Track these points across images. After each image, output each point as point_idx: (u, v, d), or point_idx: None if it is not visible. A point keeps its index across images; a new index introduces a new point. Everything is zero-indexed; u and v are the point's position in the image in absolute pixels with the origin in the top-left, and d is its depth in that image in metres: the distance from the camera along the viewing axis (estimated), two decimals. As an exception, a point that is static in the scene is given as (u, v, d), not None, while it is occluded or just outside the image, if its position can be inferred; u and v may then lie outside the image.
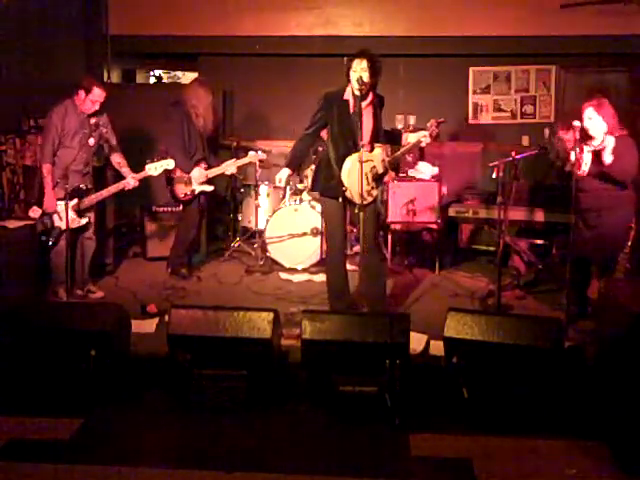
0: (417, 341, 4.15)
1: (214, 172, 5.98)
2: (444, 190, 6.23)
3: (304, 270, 6.19)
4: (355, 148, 4.42)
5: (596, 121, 4.49)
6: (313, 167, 6.26)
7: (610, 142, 4.41)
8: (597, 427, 3.45)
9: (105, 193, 5.30)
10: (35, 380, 3.75)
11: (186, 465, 3.19)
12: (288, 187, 6.56)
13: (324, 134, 6.73)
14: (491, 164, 4.97)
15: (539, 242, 5.98)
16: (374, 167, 4.55)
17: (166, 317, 4.03)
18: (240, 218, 6.93)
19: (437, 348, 3.99)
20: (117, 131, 5.45)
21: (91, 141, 5.22)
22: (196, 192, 5.89)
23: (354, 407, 3.63)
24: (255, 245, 6.62)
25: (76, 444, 3.38)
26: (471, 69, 7.73)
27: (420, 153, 6.79)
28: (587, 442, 3.36)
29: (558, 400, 3.54)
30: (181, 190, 5.85)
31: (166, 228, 6.53)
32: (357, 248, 5.79)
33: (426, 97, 7.34)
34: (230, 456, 3.27)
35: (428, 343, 4.22)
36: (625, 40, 7.13)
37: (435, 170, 6.34)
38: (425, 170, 6.35)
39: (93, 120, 5.20)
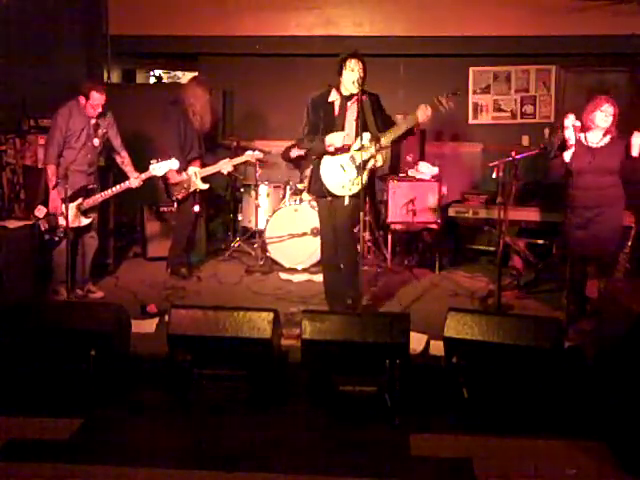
0: (417, 341, 4.15)
1: (209, 171, 5.98)
2: (444, 190, 6.23)
3: (304, 270, 6.19)
4: (340, 148, 4.48)
5: (611, 118, 4.50)
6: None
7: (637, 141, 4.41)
8: (597, 427, 3.45)
9: (109, 193, 5.30)
10: (35, 380, 3.75)
11: (186, 465, 3.19)
12: (288, 187, 6.57)
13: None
14: (491, 164, 4.97)
15: (539, 242, 5.98)
16: (352, 157, 4.55)
17: (166, 317, 4.03)
18: (240, 218, 6.93)
19: (437, 348, 3.99)
20: (118, 131, 5.45)
21: (95, 141, 5.23)
22: (191, 190, 5.89)
23: (354, 407, 3.63)
24: (255, 245, 6.62)
25: (76, 444, 3.38)
26: (471, 69, 7.73)
27: (420, 153, 6.80)
28: (587, 442, 3.36)
29: (558, 400, 3.54)
30: (176, 189, 5.85)
31: (166, 228, 6.52)
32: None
33: (426, 97, 7.30)
34: (230, 456, 3.27)
35: (428, 343, 4.22)
36: (625, 40, 7.13)
37: (435, 170, 6.34)
38: (425, 170, 6.35)
39: (94, 122, 5.21)
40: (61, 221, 5.11)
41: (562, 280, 4.82)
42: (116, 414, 3.68)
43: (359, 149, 4.47)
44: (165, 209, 6.58)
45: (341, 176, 4.54)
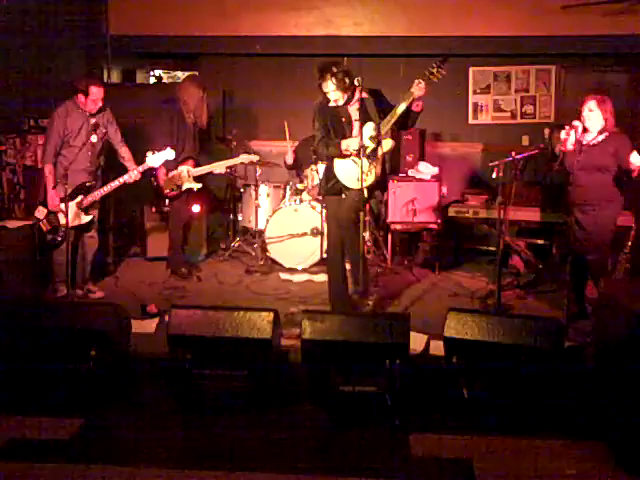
0: (417, 341, 4.15)
1: (202, 170, 5.97)
2: (444, 190, 6.23)
3: (304, 270, 6.19)
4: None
5: (595, 114, 4.51)
6: (313, 167, 6.27)
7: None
8: (597, 427, 3.44)
9: (107, 189, 5.28)
10: (35, 380, 3.75)
11: (186, 465, 3.19)
12: (288, 187, 6.58)
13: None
14: (491, 164, 4.97)
15: (539, 242, 5.98)
16: (363, 147, 4.52)
17: (166, 317, 4.03)
18: (240, 218, 6.93)
19: (437, 348, 3.99)
20: (117, 127, 5.44)
21: (94, 138, 5.22)
22: (182, 189, 5.89)
23: (354, 407, 3.63)
24: (255, 245, 6.62)
25: (76, 444, 3.38)
26: (471, 69, 7.73)
27: (420, 153, 6.80)
28: (587, 442, 3.36)
29: (558, 400, 3.54)
30: (166, 186, 5.85)
31: (166, 228, 6.51)
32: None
33: (426, 97, 7.31)
34: (230, 456, 3.27)
35: (428, 343, 4.22)
36: (625, 40, 7.13)
37: (435, 170, 6.34)
38: (425, 170, 6.35)
39: (93, 120, 5.21)
40: (62, 220, 5.10)
41: (562, 280, 4.81)
42: (116, 414, 3.68)
43: (369, 139, 4.50)
44: (165, 209, 6.57)
45: (354, 170, 4.54)
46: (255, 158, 6.36)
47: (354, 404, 3.63)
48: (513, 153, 4.89)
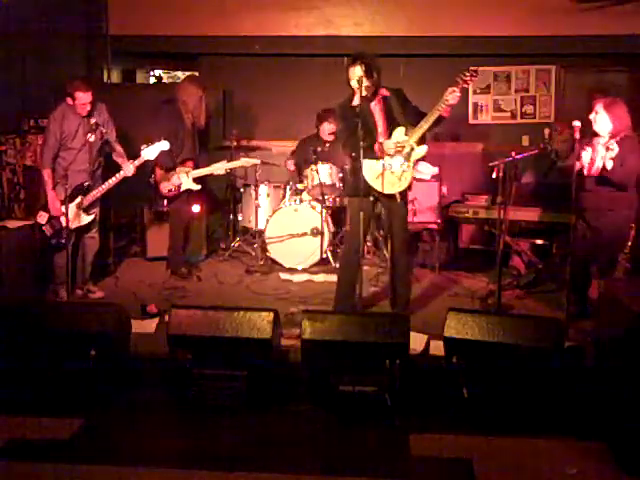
0: (417, 341, 4.15)
1: (201, 172, 5.97)
2: (444, 190, 6.23)
3: (304, 270, 6.19)
4: (372, 149, 4.50)
5: (601, 117, 4.50)
6: (313, 167, 6.27)
7: (614, 148, 4.39)
8: (597, 427, 3.44)
9: (106, 187, 5.25)
10: (35, 380, 3.75)
11: (186, 465, 3.19)
12: (288, 187, 6.58)
13: (324, 135, 6.79)
14: (491, 164, 4.97)
15: (539, 242, 5.98)
16: (397, 150, 4.54)
17: (166, 317, 4.03)
18: (240, 218, 6.93)
19: (437, 348, 3.98)
20: (117, 131, 5.44)
21: (92, 138, 5.21)
22: (182, 189, 5.89)
23: (354, 407, 3.63)
24: (255, 245, 6.62)
25: (76, 444, 3.38)
26: (471, 69, 7.72)
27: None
28: (587, 442, 3.36)
29: (558, 400, 3.54)
30: (165, 186, 5.85)
31: (166, 228, 6.51)
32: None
33: (426, 97, 7.31)
34: (230, 456, 3.27)
35: (428, 343, 4.22)
36: (625, 40, 7.13)
37: (435, 170, 6.34)
38: (425, 170, 6.34)
39: (93, 120, 5.20)
40: (64, 222, 5.11)
41: (562, 280, 4.81)
42: (116, 414, 3.68)
43: (397, 145, 4.51)
44: (165, 209, 6.57)
45: (388, 176, 4.53)
46: (256, 162, 6.36)
47: (354, 404, 3.63)
48: (513, 153, 4.89)
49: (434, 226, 6.17)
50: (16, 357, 3.82)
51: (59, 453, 3.27)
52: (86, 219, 5.22)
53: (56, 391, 3.72)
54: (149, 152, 5.32)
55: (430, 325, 4.42)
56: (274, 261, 6.30)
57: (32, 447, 3.33)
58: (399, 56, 7.47)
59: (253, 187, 6.64)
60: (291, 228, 6.25)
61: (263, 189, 6.66)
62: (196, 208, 6.18)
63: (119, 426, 3.59)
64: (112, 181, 5.26)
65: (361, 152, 4.34)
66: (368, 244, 6.37)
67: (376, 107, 4.59)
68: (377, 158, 4.54)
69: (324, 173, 6.26)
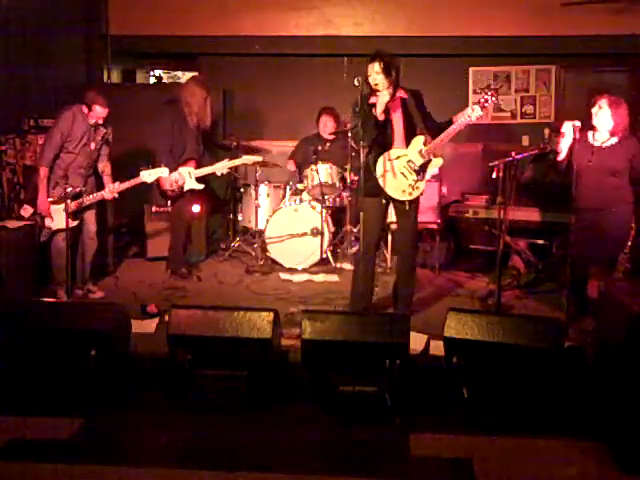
0: (417, 341, 4.15)
1: (204, 171, 5.95)
2: (444, 190, 6.23)
3: (304, 270, 6.19)
4: (386, 148, 4.50)
5: (604, 113, 4.50)
6: (313, 167, 6.27)
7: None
8: (597, 427, 3.44)
9: (88, 200, 5.24)
10: (35, 380, 3.75)
11: (186, 465, 3.19)
12: (288, 187, 6.57)
13: (325, 134, 6.79)
14: (491, 164, 4.97)
15: (539, 242, 5.98)
16: (410, 161, 4.55)
17: (166, 317, 4.03)
18: (240, 218, 6.93)
19: (437, 348, 3.98)
20: (117, 131, 5.44)
21: (92, 145, 5.22)
22: (185, 189, 5.89)
23: (354, 407, 3.63)
24: (255, 245, 6.62)
25: (76, 444, 3.38)
26: (471, 69, 7.73)
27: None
28: (587, 442, 3.36)
29: (558, 400, 3.54)
30: (167, 186, 5.84)
31: (166, 228, 6.51)
32: (356, 248, 5.78)
33: (426, 97, 7.32)
34: (230, 456, 3.27)
35: (428, 343, 4.22)
36: (625, 40, 7.13)
37: (435, 170, 6.32)
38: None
39: (103, 131, 5.20)
40: (47, 222, 5.11)
41: (562, 280, 4.81)
42: (116, 414, 3.68)
43: (419, 151, 4.53)
44: (165, 209, 6.57)
45: (402, 181, 4.55)
46: (258, 158, 6.36)
47: (354, 404, 3.63)
48: (513, 153, 4.89)
49: (434, 226, 6.17)
50: (16, 357, 3.82)
51: (59, 453, 3.27)
52: (70, 223, 5.10)
53: (56, 391, 3.72)
54: (147, 176, 5.34)
55: (430, 325, 4.42)
56: (274, 261, 6.30)
57: (32, 447, 3.33)
58: (399, 56, 7.42)
59: (253, 187, 6.63)
60: (291, 228, 6.25)
61: (263, 189, 6.66)
62: (196, 208, 6.17)
63: (119, 426, 3.59)
64: (92, 197, 5.26)
65: (373, 150, 4.37)
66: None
67: (396, 108, 4.55)
68: (395, 157, 4.53)
69: (324, 173, 6.26)
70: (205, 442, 3.42)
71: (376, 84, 4.43)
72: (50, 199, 5.11)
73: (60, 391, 3.72)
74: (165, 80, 9.62)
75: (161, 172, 5.40)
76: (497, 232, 5.11)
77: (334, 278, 5.96)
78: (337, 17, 7.59)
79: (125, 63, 8.72)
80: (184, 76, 9.39)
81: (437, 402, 3.73)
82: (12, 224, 5.15)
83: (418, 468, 3.20)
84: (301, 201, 6.35)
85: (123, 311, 4.04)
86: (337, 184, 6.31)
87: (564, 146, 4.62)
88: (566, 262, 4.57)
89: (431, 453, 3.31)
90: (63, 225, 4.99)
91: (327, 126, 6.70)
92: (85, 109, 5.12)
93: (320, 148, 6.41)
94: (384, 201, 4.63)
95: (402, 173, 4.55)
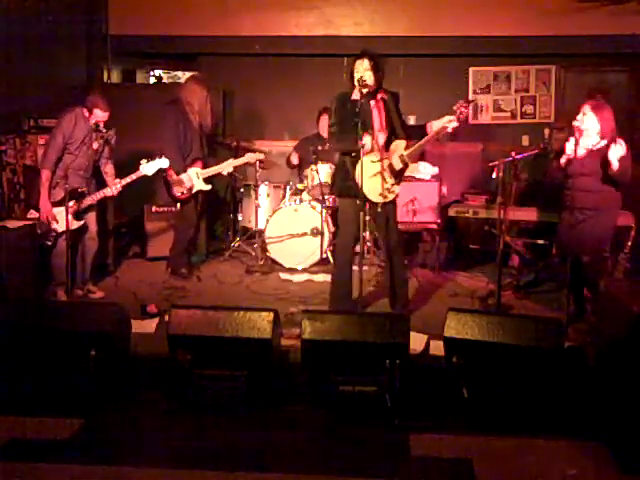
0: (417, 341, 4.15)
1: (211, 171, 5.96)
2: (444, 190, 6.23)
3: (304, 270, 6.20)
4: (367, 149, 4.46)
5: (589, 118, 4.51)
6: (313, 167, 6.27)
7: (619, 150, 4.39)
8: (597, 427, 3.44)
9: (90, 200, 5.24)
10: (35, 380, 3.75)
11: (186, 465, 3.19)
12: (288, 187, 6.58)
13: (325, 134, 6.79)
14: (491, 164, 4.97)
15: (539, 242, 5.98)
16: (390, 164, 4.56)
17: (166, 317, 4.03)
18: (240, 218, 6.93)
19: (437, 348, 3.98)
20: (117, 131, 5.43)
21: (94, 145, 5.22)
22: (193, 191, 5.88)
23: (354, 407, 3.63)
24: (255, 245, 6.62)
25: (76, 444, 3.38)
26: (471, 69, 7.74)
27: (420, 153, 6.79)
28: (587, 442, 3.36)
29: (558, 400, 3.54)
30: (177, 189, 5.84)
31: (166, 228, 6.53)
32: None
33: (426, 97, 7.34)
34: (230, 456, 3.27)
35: (428, 343, 4.22)
36: (625, 40, 7.14)
37: (435, 170, 6.34)
38: (425, 170, 6.35)
39: (105, 132, 5.19)
40: (53, 225, 5.11)
41: (562, 280, 4.81)
42: (116, 414, 3.68)
43: (400, 156, 4.52)
44: (165, 209, 6.58)
45: (379, 183, 4.55)
46: (261, 156, 6.36)
47: (354, 404, 3.63)
48: (513, 153, 4.90)
49: (434, 226, 6.17)
50: (16, 357, 3.82)
51: (59, 453, 3.27)
52: (75, 224, 5.14)
53: (56, 391, 3.72)
54: (148, 168, 5.31)
55: (430, 325, 4.42)
56: (274, 261, 6.30)
57: (32, 447, 3.33)
58: (399, 56, 7.47)
59: (253, 187, 6.64)
60: (291, 228, 6.25)
61: (263, 189, 6.66)
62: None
63: (119, 426, 3.59)
64: (98, 196, 5.26)
65: (360, 150, 4.29)
66: (368, 244, 6.36)
67: (376, 106, 4.58)
68: (375, 159, 4.52)
69: (324, 173, 6.26)
70: (205, 442, 3.41)
71: (364, 81, 4.40)
72: (53, 200, 5.11)
73: (60, 391, 3.71)
74: (165, 80, 9.63)
75: (161, 163, 5.36)
76: (497, 232, 5.11)
77: (334, 278, 5.96)
78: (337, 17, 7.60)
79: (125, 63, 8.72)
80: (184, 76, 9.39)
81: (437, 402, 3.73)
82: (12, 224, 5.14)
83: (418, 468, 3.19)
84: (301, 201, 6.35)
85: (123, 311, 4.04)
86: (337, 184, 6.31)
87: (569, 149, 4.60)
88: (566, 262, 4.57)
89: (431, 453, 3.31)
90: (65, 226, 5.02)
91: (326, 125, 6.70)
92: (86, 113, 5.12)
93: (320, 147, 6.41)
94: (359, 202, 4.61)
95: (382, 176, 4.54)
